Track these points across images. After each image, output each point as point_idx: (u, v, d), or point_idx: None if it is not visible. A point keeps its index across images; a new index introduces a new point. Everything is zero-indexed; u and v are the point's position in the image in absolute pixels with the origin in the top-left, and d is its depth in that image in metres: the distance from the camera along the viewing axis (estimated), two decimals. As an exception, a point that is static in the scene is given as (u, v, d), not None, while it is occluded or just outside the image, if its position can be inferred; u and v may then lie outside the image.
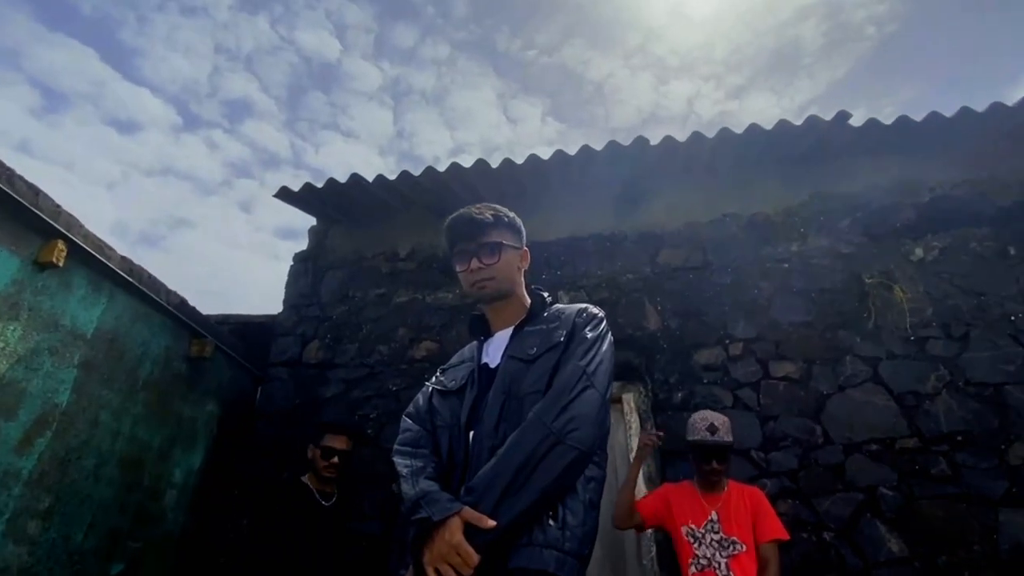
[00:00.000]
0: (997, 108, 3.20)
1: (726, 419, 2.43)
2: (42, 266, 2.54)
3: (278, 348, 3.99)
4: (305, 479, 2.80)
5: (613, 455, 3.01)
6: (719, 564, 2.22)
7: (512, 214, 1.49)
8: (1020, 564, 2.50)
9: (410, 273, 4.09)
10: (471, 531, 1.07)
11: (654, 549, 2.97)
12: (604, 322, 1.40)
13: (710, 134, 3.54)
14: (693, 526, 2.35)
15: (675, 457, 3.02)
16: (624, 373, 3.41)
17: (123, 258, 2.96)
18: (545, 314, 1.43)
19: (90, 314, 2.82)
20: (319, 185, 4.01)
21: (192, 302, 3.49)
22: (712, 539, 2.29)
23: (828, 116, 3.39)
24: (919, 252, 3.30)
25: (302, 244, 4.49)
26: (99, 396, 2.86)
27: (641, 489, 2.92)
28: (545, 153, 3.77)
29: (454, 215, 1.46)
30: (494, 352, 1.41)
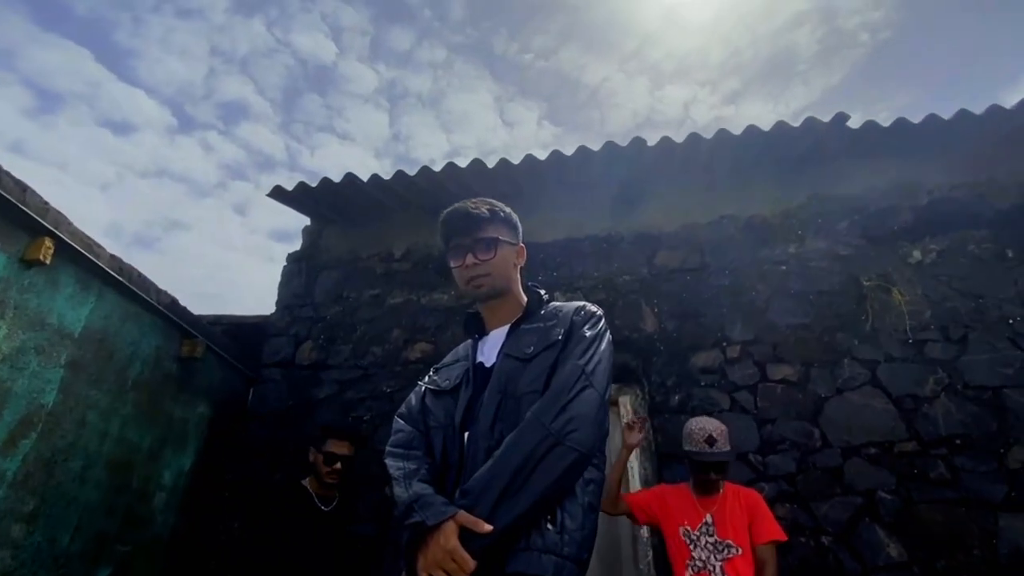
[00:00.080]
0: (995, 111, 3.20)
1: (724, 427, 2.36)
2: (29, 263, 2.48)
3: (271, 349, 3.95)
4: (306, 483, 2.76)
5: (611, 458, 2.98)
6: (714, 567, 2.19)
7: (508, 209, 1.46)
8: (1020, 569, 2.48)
9: (405, 274, 4.05)
10: (467, 536, 1.03)
11: (650, 553, 2.94)
12: (602, 320, 1.37)
13: (707, 136, 3.52)
14: (688, 527, 2.32)
15: (671, 460, 2.99)
16: (621, 375, 3.38)
17: (112, 256, 2.90)
18: (542, 312, 1.40)
19: (78, 313, 2.76)
20: (314, 185, 3.97)
21: (187, 305, 3.45)
22: (707, 542, 2.26)
23: (825, 119, 3.38)
24: (917, 254, 3.29)
25: (297, 246, 4.45)
26: (87, 396, 2.80)
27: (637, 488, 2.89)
28: (542, 154, 3.75)
29: (449, 209, 1.42)
30: (489, 351, 1.37)
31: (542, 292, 1.46)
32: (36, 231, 2.50)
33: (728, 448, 2.32)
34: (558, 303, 1.44)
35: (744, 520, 2.28)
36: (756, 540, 2.24)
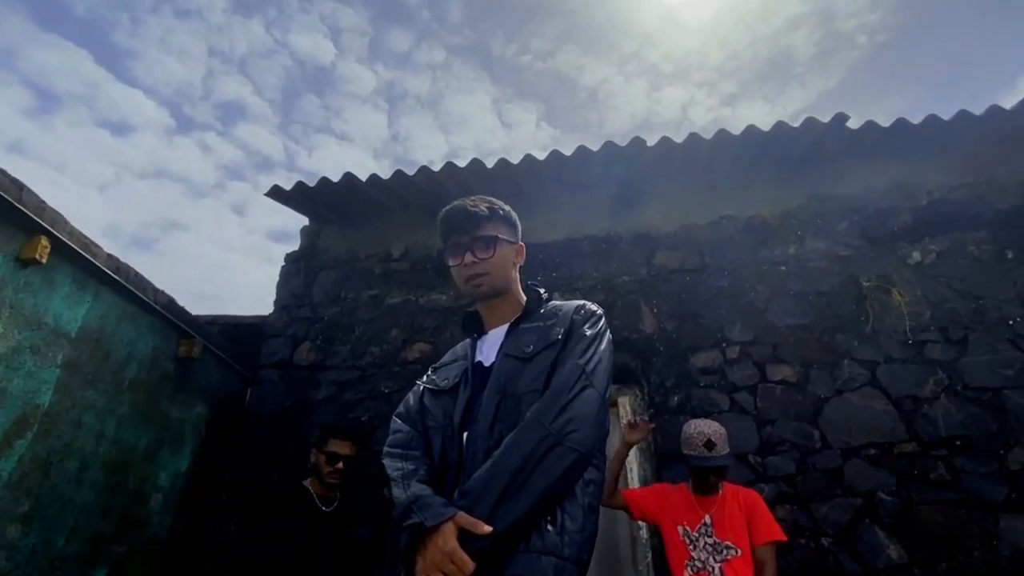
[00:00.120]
0: (995, 111, 3.20)
1: (722, 430, 2.34)
2: (25, 263, 2.46)
3: (269, 349, 3.93)
4: (307, 483, 2.74)
5: (610, 458, 2.96)
6: (713, 568, 2.19)
7: (507, 208, 1.45)
8: (1021, 571, 2.48)
9: (403, 274, 4.04)
10: (466, 537, 1.02)
11: (650, 555, 2.93)
12: (603, 319, 1.36)
13: (707, 136, 3.51)
14: (687, 528, 2.31)
15: (671, 460, 2.98)
16: (620, 376, 3.37)
17: (109, 256, 2.89)
18: (542, 311, 1.38)
19: (74, 313, 2.74)
20: (312, 184, 3.96)
21: (185, 305, 3.43)
22: (706, 543, 2.25)
23: (825, 119, 3.37)
24: (917, 255, 3.29)
25: (295, 247, 4.43)
26: (83, 397, 2.78)
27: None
28: (541, 154, 3.74)
29: (448, 207, 1.41)
30: (488, 350, 1.36)
31: (541, 291, 1.45)
32: (32, 230, 2.48)
33: (727, 452, 2.31)
34: (558, 302, 1.43)
35: (743, 521, 2.27)
36: (755, 541, 2.23)
